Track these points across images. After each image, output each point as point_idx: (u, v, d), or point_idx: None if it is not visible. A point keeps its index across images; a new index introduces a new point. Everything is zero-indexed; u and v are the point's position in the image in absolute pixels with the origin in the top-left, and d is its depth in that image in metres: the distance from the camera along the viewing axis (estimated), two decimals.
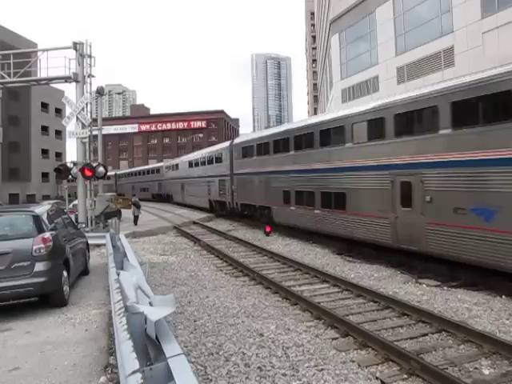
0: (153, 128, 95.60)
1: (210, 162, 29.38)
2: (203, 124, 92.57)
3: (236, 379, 5.14)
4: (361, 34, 27.94)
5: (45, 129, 59.29)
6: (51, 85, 29.28)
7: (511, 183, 8.24)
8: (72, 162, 19.41)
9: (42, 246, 7.54)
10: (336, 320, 7.03)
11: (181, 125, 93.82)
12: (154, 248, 16.23)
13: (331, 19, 31.82)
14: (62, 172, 19.03)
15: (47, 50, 18.99)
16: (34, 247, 7.47)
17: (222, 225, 23.87)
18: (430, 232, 10.04)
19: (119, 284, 5.15)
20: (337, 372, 5.28)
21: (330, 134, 14.29)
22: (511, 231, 8.18)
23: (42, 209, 8.89)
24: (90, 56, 18.84)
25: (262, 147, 19.87)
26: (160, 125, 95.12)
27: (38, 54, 19.77)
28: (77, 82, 18.48)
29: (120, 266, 7.31)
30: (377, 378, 5.15)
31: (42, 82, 20.94)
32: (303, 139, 16.06)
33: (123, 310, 4.14)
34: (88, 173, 17.95)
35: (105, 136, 42.12)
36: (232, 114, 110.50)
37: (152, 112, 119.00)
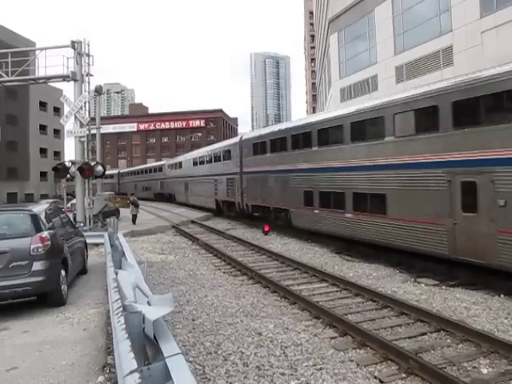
0: (151, 127, 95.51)
1: (217, 159, 27.29)
2: (202, 123, 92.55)
3: (234, 378, 5.13)
4: (359, 33, 27.91)
5: (43, 128, 59.16)
6: (49, 84, 29.28)
7: None
8: (70, 160, 19.37)
9: (40, 245, 7.51)
10: (335, 319, 7.03)
11: (179, 124, 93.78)
12: (152, 247, 16.21)
13: (330, 18, 31.80)
14: (61, 171, 18.99)
15: (45, 48, 18.95)
16: (32, 246, 7.45)
17: (221, 224, 23.85)
18: (502, 242, 8.39)
19: (117, 283, 5.14)
20: (335, 371, 5.27)
21: (364, 127, 12.54)
22: None
23: (40, 208, 8.86)
24: (88, 55, 18.83)
25: (278, 143, 18.03)
26: (158, 124, 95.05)
27: (36, 52, 19.77)
28: (75, 80, 18.45)
29: (118, 265, 7.29)
30: (375, 378, 5.15)
31: (40, 81, 20.88)
32: (329, 134, 14.28)
33: (121, 309, 4.13)
34: (86, 172, 17.93)
35: (103, 135, 42.17)
36: (230, 113, 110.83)
37: (150, 111, 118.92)
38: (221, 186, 26.15)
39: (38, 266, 7.40)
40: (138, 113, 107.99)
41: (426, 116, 10.43)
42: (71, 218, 13.76)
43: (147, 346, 3.78)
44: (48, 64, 18.87)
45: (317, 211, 14.98)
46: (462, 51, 19.37)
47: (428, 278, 9.96)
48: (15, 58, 19.13)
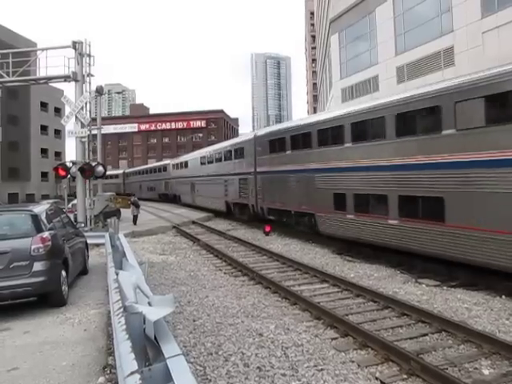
0: (152, 127, 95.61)
1: (228, 157, 25.19)
2: (203, 123, 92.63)
3: (235, 379, 5.12)
4: (361, 33, 27.91)
5: (44, 128, 59.22)
6: (50, 84, 29.28)
7: None
8: (71, 161, 19.38)
9: (41, 245, 7.51)
10: (336, 320, 7.02)
11: (180, 124, 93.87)
12: (153, 247, 16.21)
13: (331, 18, 31.79)
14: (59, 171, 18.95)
15: (46, 49, 18.97)
16: (33, 247, 7.44)
17: (221, 224, 23.85)
18: None
19: (118, 284, 5.13)
20: (336, 372, 5.26)
21: (414, 119, 10.80)
22: None
23: (41, 208, 8.86)
24: (89, 55, 18.84)
25: (301, 139, 16.10)
26: (159, 124, 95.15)
27: (37, 53, 19.77)
28: (76, 81, 18.46)
29: (119, 266, 7.28)
30: (376, 379, 5.13)
31: (41, 82, 20.91)
32: (367, 127, 12.54)
33: (122, 309, 4.12)
34: (87, 172, 17.94)
35: (104, 135, 42.25)
36: (231, 113, 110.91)
37: (151, 111, 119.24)
38: (232, 186, 24.28)
39: (38, 266, 7.39)
40: (139, 113, 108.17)
41: (498, 103, 8.82)
42: (72, 219, 13.76)
43: (148, 347, 3.78)
44: (49, 64, 18.91)
45: (351, 216, 12.98)
46: (464, 52, 19.36)
47: (429, 279, 9.95)
48: (16, 59, 19.14)
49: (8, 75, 18.82)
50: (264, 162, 19.43)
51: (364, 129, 12.67)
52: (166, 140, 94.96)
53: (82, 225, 17.78)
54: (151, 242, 17.90)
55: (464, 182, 9.27)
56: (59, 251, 8.21)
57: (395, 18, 24.35)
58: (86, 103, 18.63)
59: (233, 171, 24.00)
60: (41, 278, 7.36)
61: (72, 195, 24.17)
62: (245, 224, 22.62)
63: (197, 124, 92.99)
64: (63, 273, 8.16)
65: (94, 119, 20.62)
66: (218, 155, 27.71)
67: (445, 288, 9.25)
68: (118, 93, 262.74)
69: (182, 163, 39.54)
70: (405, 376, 5.17)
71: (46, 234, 7.75)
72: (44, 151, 59.11)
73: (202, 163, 31.55)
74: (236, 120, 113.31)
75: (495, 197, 8.56)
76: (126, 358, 3.04)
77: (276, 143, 18.29)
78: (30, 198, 52.27)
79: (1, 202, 34.86)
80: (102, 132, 22.90)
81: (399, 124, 11.14)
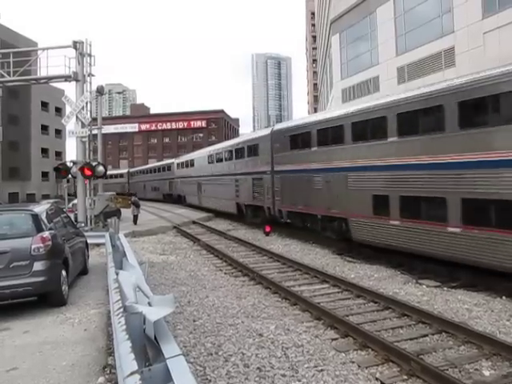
0: (153, 127, 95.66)
1: (240, 155, 22.99)
2: (203, 124, 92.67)
3: (235, 380, 5.11)
4: (361, 33, 27.91)
5: (45, 128, 59.25)
6: (51, 84, 29.30)
7: None
8: (72, 161, 19.39)
9: (41, 245, 7.51)
10: (336, 320, 7.01)
11: (181, 124, 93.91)
12: (153, 247, 16.21)
13: (332, 19, 31.79)
14: (62, 171, 19.00)
15: (47, 48, 18.98)
16: (33, 246, 7.44)
17: (222, 224, 23.85)
18: None
19: (118, 284, 5.12)
20: (336, 373, 5.25)
21: (486, 107, 9.07)
22: None
23: (41, 208, 8.86)
24: (89, 55, 18.83)
25: (330, 134, 14.26)
26: (160, 124, 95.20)
27: (38, 52, 19.76)
28: (77, 81, 18.46)
29: (119, 266, 7.27)
30: (377, 379, 5.13)
31: (42, 81, 20.91)
32: (419, 118, 10.69)
33: (122, 309, 4.11)
34: (87, 172, 17.94)
35: (105, 135, 42.25)
36: (232, 113, 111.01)
37: (152, 111, 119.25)
38: (244, 187, 22.16)
39: (38, 266, 7.39)
40: (140, 113, 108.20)
41: None
42: (72, 218, 13.76)
43: (148, 347, 3.77)
44: (50, 64, 18.90)
45: (396, 222, 11.19)
46: (464, 52, 19.35)
47: (429, 280, 9.93)
48: (17, 58, 19.13)
49: (9, 75, 18.81)
50: (283, 159, 17.55)
51: (413, 121, 10.85)
52: (167, 140, 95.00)
53: (83, 224, 17.79)
54: (151, 241, 17.90)
55: None
56: (59, 251, 8.20)
57: (396, 19, 24.35)
58: (86, 103, 18.62)
59: (245, 170, 21.97)
60: (41, 278, 7.36)
61: (73, 195, 24.20)
62: (245, 224, 22.60)
63: (197, 124, 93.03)
64: (63, 272, 8.16)
65: (94, 119, 20.66)
66: (228, 153, 25.54)
67: (445, 289, 9.24)
68: (119, 93, 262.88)
69: (187, 162, 37.47)
70: (405, 377, 5.17)
71: (46, 234, 7.75)
72: (45, 151, 59.13)
73: (209, 162, 29.49)
74: (237, 120, 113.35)
75: None
76: (126, 358, 3.03)
77: (299, 139, 16.37)
78: (31, 198, 52.29)
79: (1, 201, 34.87)
80: (103, 132, 22.95)
81: (464, 113, 9.28)
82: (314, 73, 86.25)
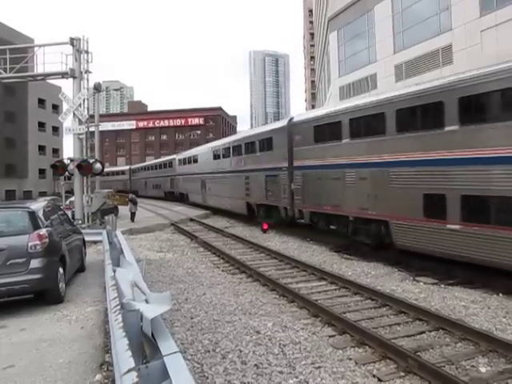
0: (150, 125, 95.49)
1: (251, 150, 21.11)
2: (201, 121, 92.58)
3: (233, 377, 5.11)
4: (359, 31, 27.89)
5: (42, 125, 59.11)
6: (48, 81, 29.20)
7: None
8: (69, 158, 19.33)
9: (38, 242, 7.49)
10: (333, 318, 7.02)
11: (178, 122, 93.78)
12: (150, 245, 16.20)
13: (329, 16, 31.76)
14: (59, 168, 18.94)
15: (44, 45, 18.90)
16: (30, 244, 7.42)
17: (219, 222, 23.84)
18: None
19: (115, 281, 5.11)
20: (334, 370, 5.26)
21: None
22: None
23: (38, 205, 8.84)
24: (87, 52, 18.79)
25: (367, 123, 12.42)
26: (157, 121, 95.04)
27: (35, 49, 19.70)
28: (74, 77, 18.40)
29: (116, 263, 7.26)
30: (374, 376, 5.14)
31: (39, 78, 20.85)
32: (491, 102, 8.97)
33: (119, 307, 4.11)
34: (85, 169, 17.90)
35: (102, 132, 42.05)
36: (230, 111, 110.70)
37: (149, 109, 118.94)
38: (256, 185, 20.32)
39: (35, 263, 7.37)
40: (137, 110, 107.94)
41: None
42: (69, 216, 13.73)
43: (145, 345, 3.76)
44: (47, 61, 18.82)
45: (455, 227, 9.52)
46: (462, 50, 19.37)
47: (427, 277, 9.96)
48: (13, 55, 19.05)
49: (5, 71, 18.74)
50: (306, 154, 15.58)
51: (483, 104, 9.16)
52: (164, 137, 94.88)
53: (80, 222, 17.76)
54: (149, 239, 17.88)
55: None
56: (56, 248, 8.18)
57: (394, 16, 24.34)
58: (83, 100, 18.59)
59: (257, 166, 20.13)
60: (38, 275, 7.34)
61: (70, 192, 24.14)
62: (243, 222, 22.59)
63: (195, 121, 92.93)
64: (60, 270, 8.14)
65: (91, 116, 20.55)
66: (236, 148, 23.48)
67: (442, 286, 9.26)
68: (116, 90, 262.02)
69: (189, 158, 35.28)
70: (402, 374, 5.18)
71: (43, 231, 7.73)
72: (42, 148, 58.97)
73: (215, 157, 27.39)
74: (234, 117, 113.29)
75: None
76: (123, 355, 3.03)
77: (325, 130, 14.41)
78: (28, 195, 52.18)
79: None
80: (100, 129, 22.82)
81: None
82: (312, 70, 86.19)
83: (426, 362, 5.18)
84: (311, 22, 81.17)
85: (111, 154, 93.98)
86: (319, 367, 5.33)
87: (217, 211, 27.60)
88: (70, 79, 18.57)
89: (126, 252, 8.25)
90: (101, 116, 29.92)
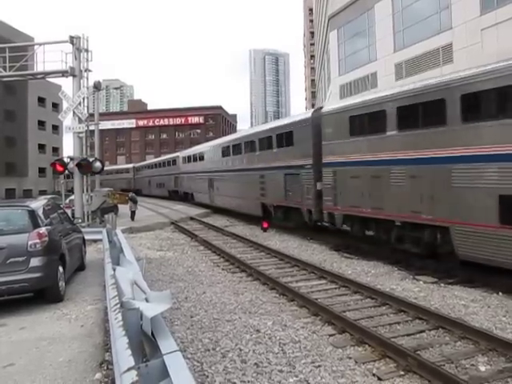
0: (150, 123, 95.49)
1: (266, 146, 19.18)
2: (201, 120, 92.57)
3: (233, 375, 5.12)
4: (359, 30, 27.84)
5: (42, 123, 59.07)
6: (48, 79, 29.15)
7: None
8: (69, 156, 19.31)
9: (38, 241, 7.48)
10: (333, 316, 7.02)
11: (178, 120, 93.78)
12: (151, 243, 16.20)
13: (330, 15, 31.71)
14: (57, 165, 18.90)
15: (44, 43, 18.86)
16: (30, 242, 7.42)
17: (220, 221, 23.84)
18: None
19: (115, 280, 5.11)
20: (333, 368, 5.26)
21: None
22: None
23: (38, 204, 8.83)
24: (86, 50, 18.75)
25: (420, 112, 10.46)
26: (157, 120, 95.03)
27: (35, 47, 19.67)
28: (74, 76, 18.37)
29: (116, 262, 7.27)
30: (374, 375, 5.14)
31: (39, 76, 20.79)
32: None
33: (119, 306, 4.10)
34: (85, 168, 17.89)
35: (102, 131, 42.16)
36: (230, 109, 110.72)
37: (149, 107, 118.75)
38: (273, 184, 18.51)
39: (35, 262, 7.37)
40: (137, 109, 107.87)
41: None
42: (69, 214, 13.72)
43: (145, 343, 3.77)
44: (46, 59, 18.76)
45: None
46: (462, 48, 19.34)
47: (427, 276, 9.96)
48: (13, 53, 19.02)
49: (5, 70, 18.71)
50: (338, 148, 13.61)
51: None
52: (164, 136, 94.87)
53: (80, 220, 17.74)
54: (149, 237, 17.88)
55: None
56: (56, 247, 8.18)
57: (394, 15, 24.30)
58: (83, 99, 18.54)
59: (274, 164, 18.23)
60: (37, 274, 7.34)
61: (70, 191, 24.14)
62: (243, 221, 22.58)
63: (195, 120, 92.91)
64: (60, 268, 8.14)
65: (91, 115, 20.55)
66: (249, 144, 21.45)
67: (442, 285, 9.26)
68: (116, 88, 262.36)
69: (195, 155, 33.33)
70: (402, 372, 5.18)
71: (42, 230, 7.72)
72: (41, 147, 58.96)
73: (224, 154, 25.49)
74: (234, 116, 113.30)
75: None
76: (123, 354, 3.03)
77: (365, 121, 12.58)
78: (28, 194, 52.16)
79: None
80: (100, 128, 22.86)
81: None
82: (312, 69, 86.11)
83: (426, 361, 5.18)
84: (311, 21, 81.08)
85: (111, 153, 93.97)
86: (319, 366, 5.33)
87: (217, 210, 27.53)
88: (70, 78, 18.54)
89: (126, 251, 8.25)
90: (101, 115, 29.93)
